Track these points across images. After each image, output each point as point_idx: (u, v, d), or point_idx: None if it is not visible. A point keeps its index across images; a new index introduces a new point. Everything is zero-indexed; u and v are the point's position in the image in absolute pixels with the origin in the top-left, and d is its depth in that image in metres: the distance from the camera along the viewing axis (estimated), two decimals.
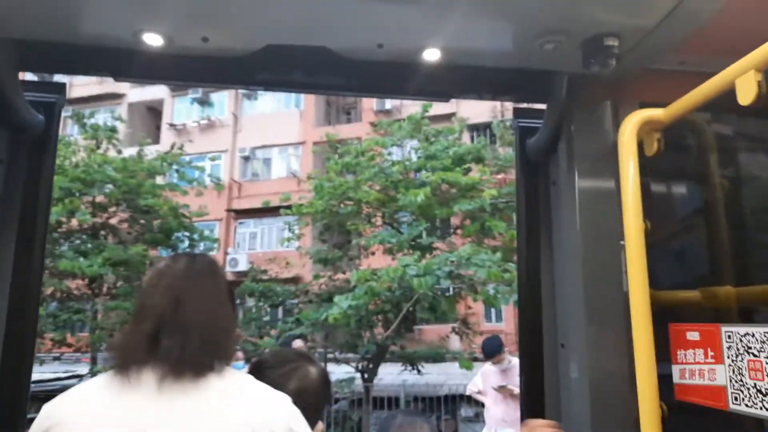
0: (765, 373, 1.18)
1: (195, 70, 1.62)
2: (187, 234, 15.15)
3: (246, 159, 21.78)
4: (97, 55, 1.59)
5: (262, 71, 1.62)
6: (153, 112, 24.02)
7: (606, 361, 1.58)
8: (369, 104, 20.78)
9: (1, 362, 1.61)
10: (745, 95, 1.22)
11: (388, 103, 19.70)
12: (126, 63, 1.58)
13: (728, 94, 1.27)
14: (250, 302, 15.96)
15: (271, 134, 21.41)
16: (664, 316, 1.47)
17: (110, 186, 13.43)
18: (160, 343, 1.11)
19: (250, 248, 21.01)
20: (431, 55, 1.58)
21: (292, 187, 18.60)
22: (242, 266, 18.56)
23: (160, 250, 15.02)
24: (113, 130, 14.45)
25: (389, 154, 12.83)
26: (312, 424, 1.24)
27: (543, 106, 1.80)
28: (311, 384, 1.44)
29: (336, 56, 1.55)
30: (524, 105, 1.98)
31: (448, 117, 15.32)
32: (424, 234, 12.03)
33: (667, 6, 1.39)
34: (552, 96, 1.73)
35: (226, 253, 19.90)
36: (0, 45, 1.49)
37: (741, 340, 1.24)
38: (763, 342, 1.19)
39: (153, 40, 1.47)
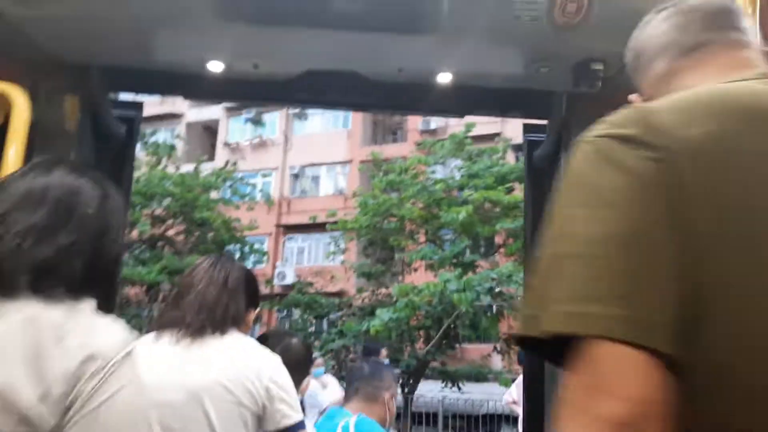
0: None
1: (248, 91, 1.96)
2: (238, 246, 15.81)
3: (295, 176, 22.52)
4: (171, 79, 1.95)
5: (302, 92, 1.94)
6: (209, 131, 25.21)
7: None
8: (414, 124, 21.14)
9: None
10: None
11: (433, 123, 20.00)
12: (193, 85, 1.94)
13: None
14: (296, 314, 16.42)
15: (319, 153, 22.08)
16: None
17: (168, 199, 14.23)
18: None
19: (297, 263, 21.55)
20: (444, 77, 1.86)
21: (339, 204, 19.09)
22: (289, 280, 19.08)
23: None
24: (172, 147, 15.35)
25: (432, 172, 13.11)
26: (297, 380, 1.57)
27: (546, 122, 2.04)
28: (294, 349, 1.85)
29: (363, 79, 1.85)
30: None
31: (492, 137, 15.50)
32: (467, 251, 12.18)
33: None
34: (553, 113, 1.97)
35: (274, 267, 20.49)
36: (95, 71, 1.87)
37: None
38: None
39: (215, 66, 1.81)
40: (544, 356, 0.67)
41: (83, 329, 1.05)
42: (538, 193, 2.14)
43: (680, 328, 0.54)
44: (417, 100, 1.98)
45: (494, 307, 11.95)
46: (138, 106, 2.15)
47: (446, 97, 1.95)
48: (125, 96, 2.83)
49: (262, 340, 1.86)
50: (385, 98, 1.99)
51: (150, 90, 2.14)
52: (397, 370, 12.13)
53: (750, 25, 0.85)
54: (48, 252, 1.02)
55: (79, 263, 1.06)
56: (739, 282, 0.56)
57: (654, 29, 0.90)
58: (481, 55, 1.76)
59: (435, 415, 13.31)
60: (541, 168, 2.13)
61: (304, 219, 19.82)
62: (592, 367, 0.53)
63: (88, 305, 1.08)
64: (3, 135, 1.61)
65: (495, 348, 13.95)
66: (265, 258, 17.98)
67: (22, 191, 1.07)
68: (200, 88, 1.96)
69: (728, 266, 0.56)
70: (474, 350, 16.11)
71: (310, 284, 16.62)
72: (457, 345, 13.87)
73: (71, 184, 1.11)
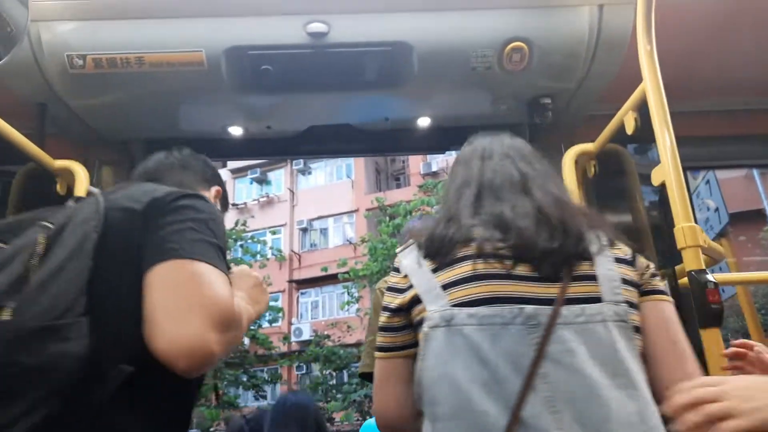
0: None
1: (261, 148, 2.35)
2: None
3: (304, 230, 22.95)
4: (195, 143, 2.34)
5: (306, 144, 2.33)
6: None
7: None
8: (416, 169, 21.70)
9: None
10: (629, 128, 1.80)
11: (434, 165, 20.55)
12: (216, 147, 2.33)
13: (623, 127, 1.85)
14: (316, 369, 16.46)
15: (325, 205, 22.58)
16: None
17: None
18: None
19: (312, 317, 21.67)
20: (424, 121, 2.24)
21: (349, 253, 19.42)
22: (306, 335, 19.17)
23: None
24: None
25: (437, 213, 13.47)
26: None
27: None
28: None
29: (356, 129, 2.24)
30: None
31: None
32: None
33: (581, 74, 2.01)
34: None
35: (290, 324, 20.62)
36: (136, 144, 2.27)
37: None
38: None
39: (234, 130, 2.21)
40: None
41: None
42: None
43: None
44: (403, 142, 2.36)
45: None
46: None
47: (427, 138, 2.33)
48: None
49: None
50: (376, 143, 2.37)
51: None
52: None
53: None
54: None
55: None
56: None
57: None
58: (452, 100, 2.14)
59: None
60: None
61: (315, 272, 20.10)
62: None
63: None
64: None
65: None
66: (280, 314, 18.18)
67: None
68: (222, 150, 2.35)
69: None
70: None
71: (327, 337, 16.75)
72: None
73: None
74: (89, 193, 1.94)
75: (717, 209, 3.35)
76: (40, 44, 1.83)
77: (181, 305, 0.79)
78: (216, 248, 0.89)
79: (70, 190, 2.02)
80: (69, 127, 2.14)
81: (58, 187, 2.05)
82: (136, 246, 0.86)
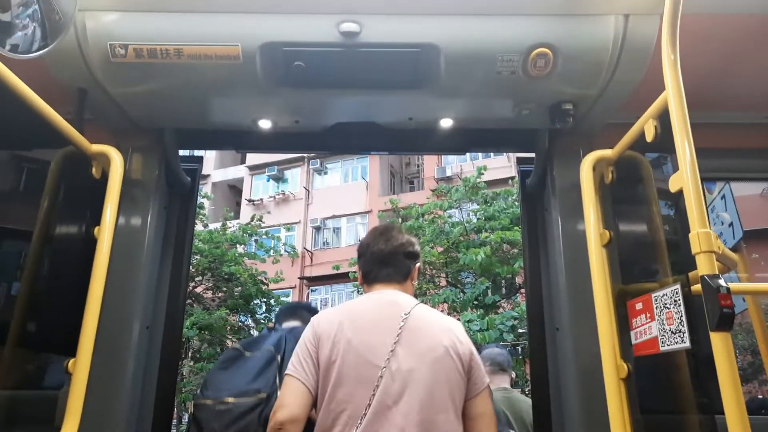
0: (673, 319, 1.72)
1: (289, 141, 2.42)
2: (264, 300, 16.19)
3: (317, 229, 23.11)
4: (226, 135, 2.43)
5: (332, 140, 2.39)
6: (234, 189, 26.12)
7: (588, 338, 2.11)
8: (430, 173, 21.77)
9: (159, 374, 2.33)
10: (649, 135, 1.84)
11: (449, 170, 20.59)
12: (244, 139, 2.40)
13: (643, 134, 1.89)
14: None
15: (339, 205, 22.73)
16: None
17: (197, 257, 14.78)
18: None
19: None
20: (446, 122, 2.30)
21: None
22: None
23: (240, 316, 16.03)
24: (200, 206, 16.02)
25: (449, 216, 13.51)
26: None
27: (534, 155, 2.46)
28: None
29: (381, 127, 2.30)
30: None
31: (506, 181, 15.95)
32: (489, 292, 12.40)
33: (604, 82, 2.05)
34: (539, 146, 2.38)
35: None
36: (169, 132, 2.35)
37: (661, 300, 1.79)
38: (671, 298, 1.74)
39: (264, 123, 2.28)
40: None
41: None
42: (531, 216, 2.54)
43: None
44: (424, 141, 2.42)
45: (519, 349, 12.03)
46: (199, 159, 2.62)
47: (449, 138, 2.39)
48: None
49: None
50: (398, 142, 2.43)
51: (208, 146, 2.61)
52: None
53: None
54: None
55: None
56: None
57: None
58: (475, 103, 2.19)
59: None
60: (532, 194, 2.53)
61: (326, 269, 20.23)
62: None
63: None
64: (103, 186, 2.08)
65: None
66: None
67: None
68: (250, 142, 2.43)
69: None
70: None
71: None
72: None
73: None
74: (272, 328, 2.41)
75: (731, 224, 3.36)
76: (84, 32, 1.92)
77: None
78: None
79: (104, 174, 2.11)
80: (106, 113, 2.23)
81: (93, 171, 2.14)
82: None
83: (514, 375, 3.67)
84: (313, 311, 2.45)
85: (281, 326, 2.38)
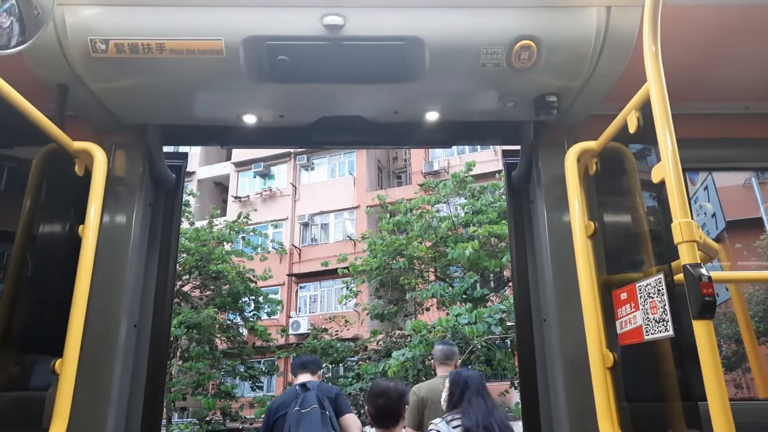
0: (657, 308, 1.74)
1: (274, 136, 2.40)
2: (252, 297, 16.13)
3: (305, 225, 23.05)
4: (210, 131, 2.41)
5: (317, 135, 2.39)
6: (220, 186, 25.94)
7: (575, 329, 2.14)
8: (418, 167, 21.78)
9: (147, 374, 2.30)
10: (632, 127, 1.86)
11: (436, 165, 20.63)
12: (229, 135, 2.39)
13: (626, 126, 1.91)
14: None
15: (327, 201, 22.68)
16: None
17: (184, 255, 14.67)
18: None
19: (311, 311, 21.79)
20: (432, 116, 2.30)
21: (349, 249, 19.49)
22: (304, 329, 19.28)
23: (228, 314, 15.95)
24: (186, 204, 15.88)
25: (437, 211, 13.56)
26: None
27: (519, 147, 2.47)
28: None
29: (366, 121, 2.30)
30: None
31: (493, 174, 16.02)
32: (478, 286, 12.46)
33: (587, 73, 2.07)
34: (524, 139, 2.40)
35: (288, 317, 20.72)
36: (152, 128, 2.33)
37: (645, 290, 1.81)
38: (655, 287, 1.76)
39: (248, 119, 2.27)
40: None
41: None
42: (517, 208, 2.55)
43: None
44: (410, 135, 2.42)
45: (508, 342, 12.10)
46: (183, 155, 2.60)
47: (435, 131, 2.39)
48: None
49: None
50: (384, 136, 2.43)
51: (193, 142, 2.59)
52: None
53: None
54: None
55: None
56: None
57: None
58: (460, 95, 2.19)
59: None
60: (518, 185, 2.54)
61: (315, 266, 20.21)
62: None
63: None
64: (86, 183, 2.05)
65: (512, 384, 14.03)
66: (279, 307, 18.29)
67: None
68: (235, 138, 2.41)
69: None
70: (491, 388, 16.07)
71: (325, 330, 16.82)
72: None
73: None
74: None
75: (714, 215, 3.40)
76: (64, 27, 1.89)
77: None
78: None
79: (87, 172, 2.08)
80: (87, 109, 2.20)
81: (76, 168, 2.11)
82: None
83: (459, 362, 4.44)
84: (319, 364, 3.88)
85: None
